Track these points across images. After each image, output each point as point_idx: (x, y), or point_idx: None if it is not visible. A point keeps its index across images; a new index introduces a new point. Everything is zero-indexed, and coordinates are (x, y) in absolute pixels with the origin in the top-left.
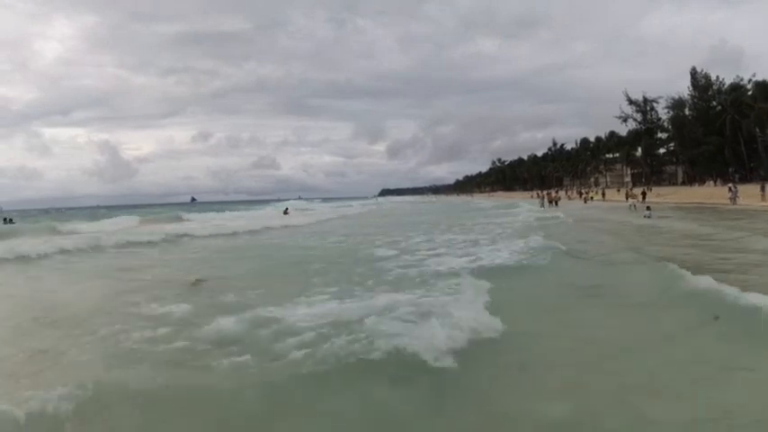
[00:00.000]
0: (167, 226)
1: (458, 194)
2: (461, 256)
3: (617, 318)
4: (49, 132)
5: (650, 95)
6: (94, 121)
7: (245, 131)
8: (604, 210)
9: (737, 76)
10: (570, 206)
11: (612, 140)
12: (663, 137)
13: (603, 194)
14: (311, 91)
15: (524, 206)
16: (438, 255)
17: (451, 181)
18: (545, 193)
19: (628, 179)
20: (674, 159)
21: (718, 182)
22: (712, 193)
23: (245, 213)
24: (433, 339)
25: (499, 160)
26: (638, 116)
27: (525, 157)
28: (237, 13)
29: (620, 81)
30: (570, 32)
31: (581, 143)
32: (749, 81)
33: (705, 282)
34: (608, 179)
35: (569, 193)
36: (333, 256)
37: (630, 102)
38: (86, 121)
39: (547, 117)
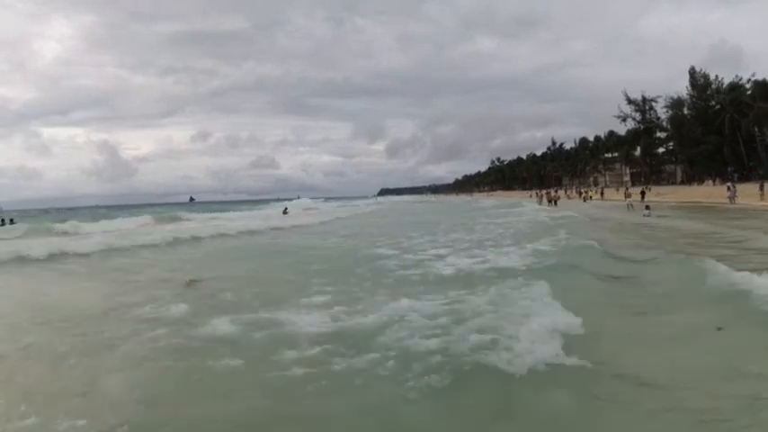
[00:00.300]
0: (179, 225)
1: (457, 194)
2: (503, 255)
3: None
4: (48, 132)
5: (649, 95)
6: (93, 121)
7: (244, 131)
8: (606, 208)
9: (736, 76)
10: (572, 205)
11: (611, 140)
12: (662, 136)
13: (602, 194)
14: (310, 90)
15: (528, 205)
16: (479, 255)
17: (451, 180)
18: (544, 192)
19: (627, 178)
20: (673, 159)
21: (717, 181)
22: (711, 192)
23: (249, 213)
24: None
25: (498, 160)
26: (637, 115)
27: (524, 157)
28: (237, 13)
29: (620, 80)
30: (570, 32)
31: (580, 142)
32: (748, 81)
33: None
34: (607, 178)
35: (568, 192)
36: (371, 259)
37: (629, 101)
38: (85, 120)
39: (546, 116)
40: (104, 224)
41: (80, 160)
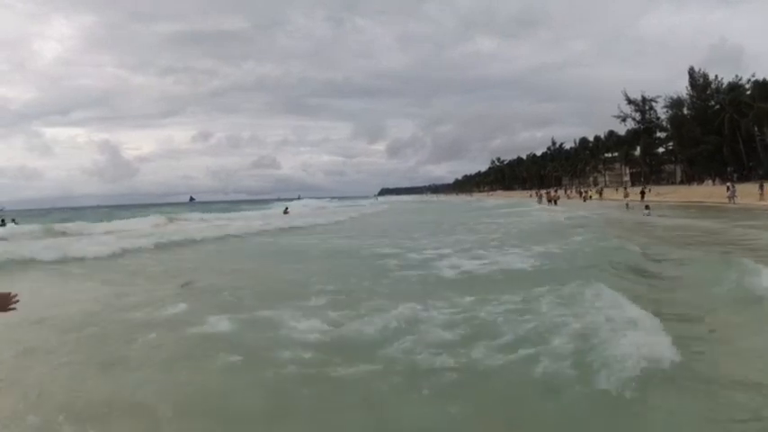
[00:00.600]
0: (197, 225)
1: (457, 194)
2: (537, 255)
3: None
4: (48, 132)
5: (649, 95)
6: (94, 121)
7: (244, 131)
8: (607, 208)
9: (736, 76)
10: (573, 205)
11: (611, 140)
12: (661, 136)
13: (600, 193)
14: (310, 90)
15: (535, 205)
16: (513, 253)
17: (451, 180)
18: (544, 192)
19: (627, 178)
20: (673, 158)
21: (717, 181)
22: (711, 192)
23: (258, 213)
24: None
25: (498, 159)
26: (637, 115)
27: (524, 157)
28: (237, 13)
29: (620, 80)
30: (569, 32)
31: (580, 142)
32: (748, 81)
33: None
34: (607, 178)
35: (568, 192)
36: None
37: (629, 101)
38: (86, 120)
39: (546, 116)
40: (120, 224)
41: (81, 160)
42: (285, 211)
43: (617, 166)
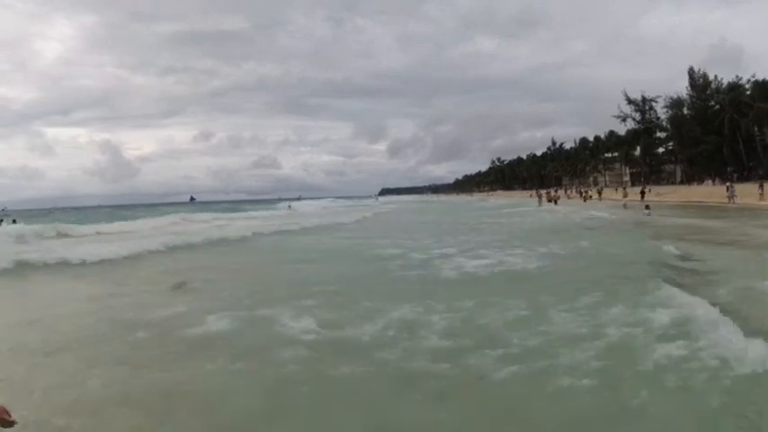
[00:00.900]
0: (216, 224)
1: (458, 194)
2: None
3: None
4: (50, 132)
5: (649, 95)
6: (95, 121)
7: (245, 131)
8: (608, 207)
9: (736, 76)
10: (575, 205)
11: (611, 140)
12: (661, 136)
13: (600, 193)
14: (310, 90)
15: (541, 206)
16: (548, 254)
17: (451, 180)
18: (544, 192)
19: (626, 178)
20: (673, 158)
21: (717, 181)
22: (711, 192)
23: (267, 213)
24: None
25: (498, 159)
26: (637, 115)
27: (524, 157)
28: (237, 13)
29: (620, 80)
30: (569, 32)
31: (580, 142)
32: (748, 81)
33: None
34: (607, 178)
35: (569, 192)
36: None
37: (629, 101)
38: (87, 120)
39: (546, 116)
40: (139, 223)
41: (82, 160)
42: (289, 207)
43: (617, 166)
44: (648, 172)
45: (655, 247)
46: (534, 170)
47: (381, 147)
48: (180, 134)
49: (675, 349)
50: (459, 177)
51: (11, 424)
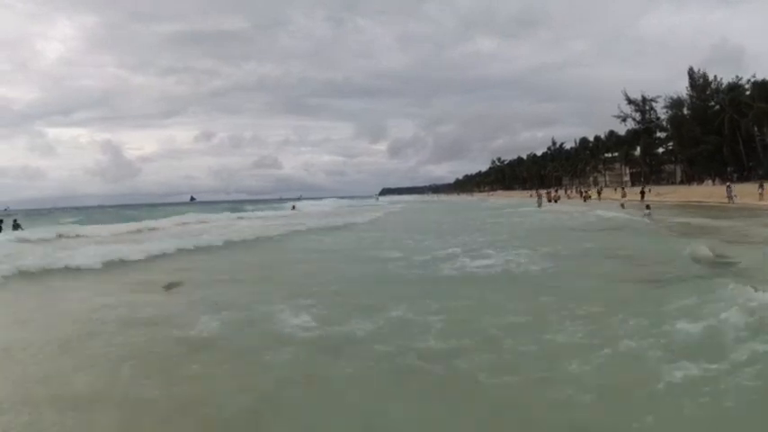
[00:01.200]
0: (240, 222)
1: (458, 194)
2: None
3: None
4: (51, 132)
5: (649, 95)
6: (96, 121)
7: (246, 131)
8: (609, 207)
9: (737, 76)
10: (577, 204)
11: (611, 140)
12: (661, 136)
13: (599, 193)
14: (310, 90)
15: (546, 206)
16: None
17: (451, 180)
18: (544, 192)
19: (627, 178)
20: (673, 159)
21: (717, 181)
22: (711, 192)
23: (275, 213)
24: None
25: (499, 159)
26: (637, 115)
27: (525, 157)
28: (237, 13)
29: (620, 80)
30: (569, 32)
31: (580, 142)
32: (748, 81)
33: None
34: (607, 178)
35: (569, 192)
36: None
37: (629, 101)
38: (88, 121)
39: (546, 116)
40: (163, 222)
41: (83, 160)
42: (293, 208)
43: (617, 166)
44: (648, 172)
45: (683, 246)
46: (534, 170)
47: (382, 147)
48: (181, 134)
49: None
50: (460, 177)
51: None
